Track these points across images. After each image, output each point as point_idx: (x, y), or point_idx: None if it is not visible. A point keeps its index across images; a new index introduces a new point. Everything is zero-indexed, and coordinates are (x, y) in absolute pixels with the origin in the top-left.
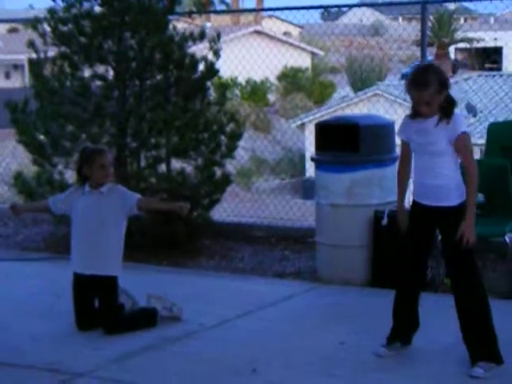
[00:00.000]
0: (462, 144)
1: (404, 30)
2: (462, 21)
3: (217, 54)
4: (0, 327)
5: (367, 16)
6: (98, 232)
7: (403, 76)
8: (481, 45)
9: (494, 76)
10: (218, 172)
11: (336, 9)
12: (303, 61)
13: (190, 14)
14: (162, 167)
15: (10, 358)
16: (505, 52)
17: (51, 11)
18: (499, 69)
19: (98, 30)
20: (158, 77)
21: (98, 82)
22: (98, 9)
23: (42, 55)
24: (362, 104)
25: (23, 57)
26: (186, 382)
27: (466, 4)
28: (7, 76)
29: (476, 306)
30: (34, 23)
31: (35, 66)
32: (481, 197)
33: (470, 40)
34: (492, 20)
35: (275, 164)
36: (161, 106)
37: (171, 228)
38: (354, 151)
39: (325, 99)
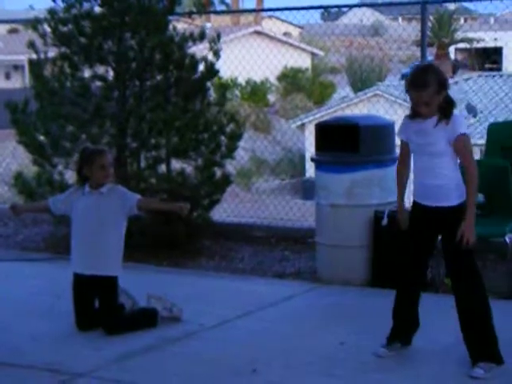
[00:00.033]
0: (461, 145)
1: (404, 30)
2: (461, 21)
3: (217, 54)
4: (0, 327)
5: (367, 16)
6: (98, 232)
7: (403, 76)
8: (481, 45)
9: (494, 76)
10: (218, 172)
11: (336, 9)
12: (303, 61)
13: (190, 14)
14: (162, 168)
15: (10, 358)
16: (505, 52)
17: (51, 12)
18: (499, 69)
19: (98, 30)
20: (158, 77)
21: (98, 83)
22: (98, 9)
23: (42, 56)
24: (362, 104)
25: (23, 57)
26: (186, 382)
27: (465, 4)
28: (7, 77)
29: (476, 307)
30: (34, 24)
31: (35, 66)
32: (481, 197)
33: (470, 40)
34: (492, 20)
35: (275, 164)
36: (161, 106)
37: (171, 228)
38: (354, 151)
39: (325, 100)
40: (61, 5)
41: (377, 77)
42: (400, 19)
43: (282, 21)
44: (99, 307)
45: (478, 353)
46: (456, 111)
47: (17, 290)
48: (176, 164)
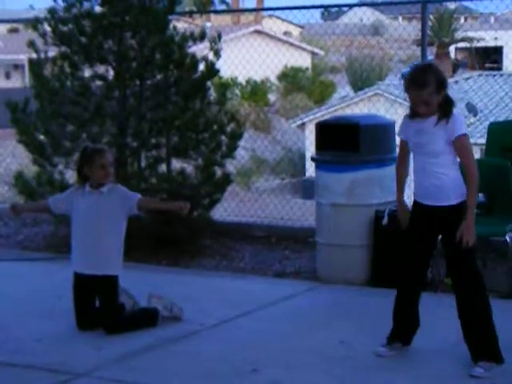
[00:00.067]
0: (461, 145)
1: (404, 29)
2: (462, 20)
3: (217, 54)
4: (0, 327)
5: (367, 16)
6: (99, 232)
7: (403, 76)
8: (481, 44)
9: (494, 75)
10: (219, 172)
11: (336, 8)
12: (303, 60)
13: (190, 13)
14: (163, 167)
15: (10, 358)
16: (505, 51)
17: (51, 11)
18: (499, 68)
19: (99, 29)
20: (159, 77)
21: (99, 82)
22: (98, 9)
23: (42, 55)
24: (363, 104)
25: (23, 57)
26: (187, 381)
27: (466, 3)
28: (7, 76)
29: (476, 306)
30: (34, 23)
31: (35, 66)
32: (481, 196)
33: (470, 39)
34: (492, 19)
35: (275, 164)
36: (161, 105)
37: (171, 228)
38: (355, 151)
39: (325, 99)
40: (61, 4)
41: (377, 76)
42: (400, 18)
43: (283, 20)
44: (99, 307)
45: (478, 352)
46: (456, 111)
47: (17, 290)
48: (176, 163)
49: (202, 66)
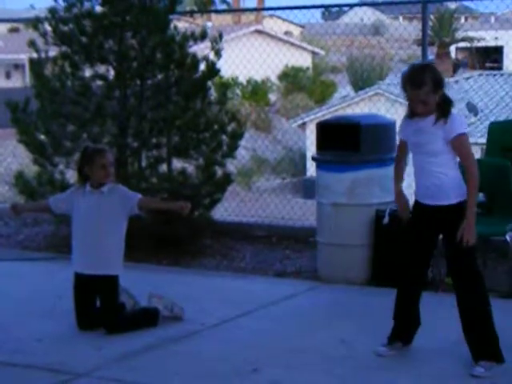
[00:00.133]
0: (459, 145)
1: (405, 29)
2: (462, 20)
3: (218, 53)
4: (0, 327)
5: (368, 15)
6: (99, 232)
7: None
8: (481, 44)
9: (494, 75)
10: (219, 172)
11: (337, 8)
12: (304, 60)
13: (191, 13)
14: (163, 167)
15: (10, 358)
16: (505, 51)
17: (52, 11)
18: (500, 68)
19: (99, 29)
20: (159, 76)
21: (99, 82)
22: (98, 8)
23: (42, 55)
24: (363, 103)
25: (24, 56)
26: (187, 381)
27: (466, 3)
28: (8, 76)
29: (477, 306)
30: (34, 23)
31: (36, 65)
32: (482, 196)
33: (470, 39)
34: (493, 19)
35: (276, 163)
36: (162, 105)
37: (172, 228)
38: (355, 151)
39: (326, 99)
40: (62, 4)
41: (378, 76)
42: (401, 18)
43: (283, 20)
44: (100, 306)
45: (479, 351)
46: (454, 110)
47: (18, 290)
48: (177, 163)
49: (202, 66)
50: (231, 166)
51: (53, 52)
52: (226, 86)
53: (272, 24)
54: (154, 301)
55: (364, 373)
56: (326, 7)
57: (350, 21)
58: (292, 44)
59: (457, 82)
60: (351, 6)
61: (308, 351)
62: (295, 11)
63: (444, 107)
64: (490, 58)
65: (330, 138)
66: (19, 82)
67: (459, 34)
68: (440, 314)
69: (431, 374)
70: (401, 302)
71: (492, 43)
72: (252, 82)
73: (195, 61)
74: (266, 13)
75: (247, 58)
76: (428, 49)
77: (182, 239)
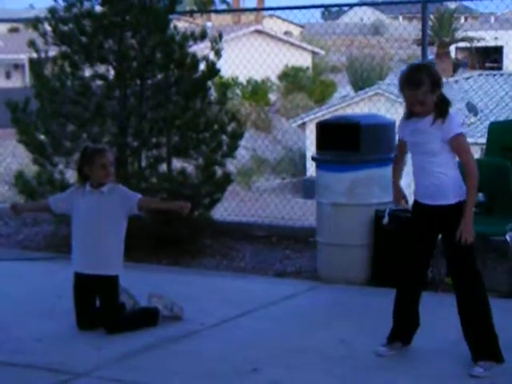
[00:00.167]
0: (457, 145)
1: (405, 29)
2: (462, 20)
3: (218, 53)
4: (0, 327)
5: (368, 15)
6: (99, 231)
7: None
8: (481, 44)
9: (494, 75)
10: (219, 171)
11: (337, 8)
12: (304, 60)
13: (191, 13)
14: (163, 167)
15: (10, 358)
16: (505, 51)
17: (52, 11)
18: (500, 68)
19: (99, 29)
20: (159, 76)
21: (99, 82)
22: (98, 8)
23: (42, 55)
24: (363, 103)
25: (24, 56)
26: (187, 381)
27: (466, 3)
28: (8, 76)
29: (476, 305)
30: (34, 23)
31: (36, 65)
32: (481, 196)
33: (470, 39)
34: (492, 19)
35: (276, 163)
36: (162, 105)
37: (172, 227)
38: (355, 150)
39: (326, 98)
40: (61, 4)
41: (377, 76)
42: (401, 18)
43: (283, 20)
44: (100, 306)
45: (478, 351)
46: (452, 110)
47: (17, 290)
48: (177, 163)
49: (202, 66)
50: (231, 165)
51: (53, 52)
52: (225, 86)
53: (272, 24)
54: (153, 300)
55: (364, 373)
56: (326, 7)
57: (350, 21)
58: (292, 44)
59: (456, 81)
60: (351, 5)
61: (308, 351)
62: (295, 11)
63: (442, 107)
64: (489, 57)
65: (330, 137)
66: (19, 81)
67: (459, 34)
68: (439, 314)
69: (430, 374)
70: (400, 302)
71: (492, 43)
72: (252, 82)
73: (195, 61)
74: (265, 13)
75: (247, 57)
76: (428, 49)
77: (181, 239)
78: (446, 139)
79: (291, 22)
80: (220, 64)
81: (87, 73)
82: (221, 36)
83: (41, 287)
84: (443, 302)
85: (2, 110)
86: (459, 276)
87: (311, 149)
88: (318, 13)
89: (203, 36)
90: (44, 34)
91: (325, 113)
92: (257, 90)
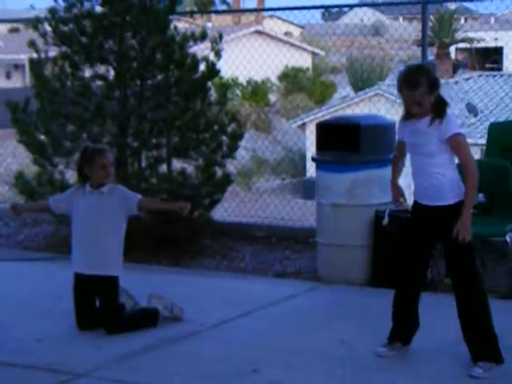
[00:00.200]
0: (456, 145)
1: (405, 30)
2: (462, 21)
3: (218, 54)
4: (0, 327)
5: (368, 16)
6: (99, 232)
7: None
8: (481, 45)
9: (494, 76)
10: (219, 172)
11: (337, 9)
12: (304, 61)
13: (191, 13)
14: (163, 167)
15: (10, 358)
16: (505, 52)
17: (52, 11)
18: (500, 69)
19: (99, 29)
20: (159, 77)
21: (99, 82)
22: (98, 9)
23: (42, 55)
24: (363, 104)
25: (24, 57)
26: (187, 381)
27: (466, 4)
28: (8, 76)
29: (476, 306)
30: (34, 23)
31: (36, 65)
32: (481, 197)
33: (470, 40)
34: (493, 20)
35: (276, 164)
36: (162, 105)
37: (172, 228)
38: (355, 151)
39: (326, 99)
40: (62, 4)
41: (378, 76)
42: (401, 19)
43: (283, 20)
44: (100, 307)
45: (478, 352)
46: (449, 111)
47: (17, 290)
48: (177, 164)
49: (202, 67)
50: (231, 166)
51: (53, 52)
52: (225, 87)
53: (272, 25)
54: (153, 301)
55: (364, 373)
56: (326, 8)
57: (350, 21)
58: (292, 45)
59: (456, 82)
60: (351, 6)
61: (308, 352)
62: (295, 12)
63: (439, 108)
64: (489, 58)
65: (330, 138)
66: (19, 82)
67: (459, 35)
68: (439, 315)
69: (430, 374)
70: (400, 303)
71: (492, 44)
72: (252, 83)
73: (195, 61)
74: (265, 13)
75: (247, 58)
76: (428, 49)
77: (181, 240)
78: (444, 139)
79: (291, 23)
80: (220, 65)
81: (87, 73)
82: (221, 36)
83: (41, 288)
84: (442, 302)
85: (2, 110)
86: (459, 276)
87: (311, 149)
88: (318, 13)
89: (203, 37)
90: (44, 35)
91: (325, 113)
92: (257, 91)
